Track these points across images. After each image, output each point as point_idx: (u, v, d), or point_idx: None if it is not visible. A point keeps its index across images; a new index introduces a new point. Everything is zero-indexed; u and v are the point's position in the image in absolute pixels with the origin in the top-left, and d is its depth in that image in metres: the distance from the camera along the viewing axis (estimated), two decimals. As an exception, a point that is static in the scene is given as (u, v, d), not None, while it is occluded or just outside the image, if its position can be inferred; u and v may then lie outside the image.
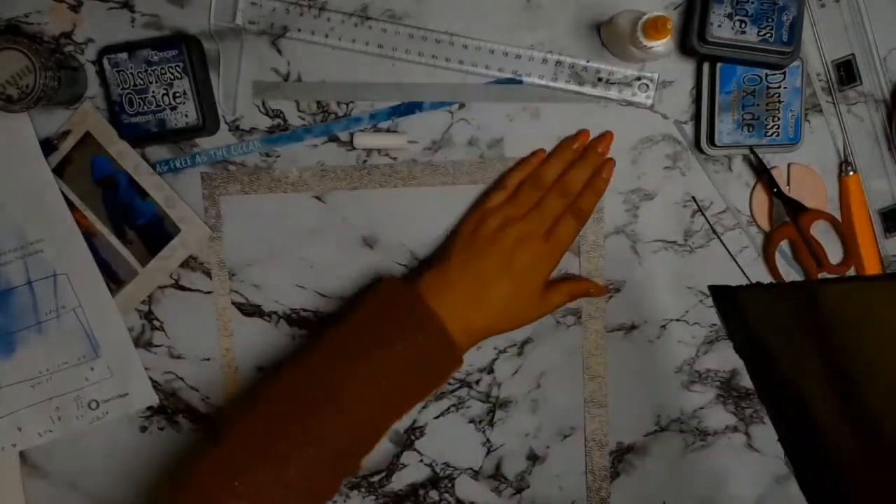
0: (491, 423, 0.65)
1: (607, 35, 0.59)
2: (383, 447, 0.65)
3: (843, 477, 0.48)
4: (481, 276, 0.57)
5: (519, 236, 0.58)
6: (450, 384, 0.65)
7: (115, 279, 0.63)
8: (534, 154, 0.62)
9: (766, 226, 0.62)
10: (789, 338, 0.50)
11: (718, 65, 0.59)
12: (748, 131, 0.60)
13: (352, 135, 0.61)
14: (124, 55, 0.59)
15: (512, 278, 0.58)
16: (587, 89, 0.60)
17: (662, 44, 0.53)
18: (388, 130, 0.62)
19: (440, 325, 0.55)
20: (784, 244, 0.63)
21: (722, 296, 0.54)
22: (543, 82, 0.60)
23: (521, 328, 0.61)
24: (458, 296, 0.57)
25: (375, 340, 0.55)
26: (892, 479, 0.44)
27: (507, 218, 0.59)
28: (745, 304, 0.52)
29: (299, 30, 0.60)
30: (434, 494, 0.66)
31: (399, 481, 0.66)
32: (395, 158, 0.62)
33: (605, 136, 0.61)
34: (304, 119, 0.62)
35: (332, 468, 0.54)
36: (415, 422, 0.65)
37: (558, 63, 0.60)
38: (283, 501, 0.52)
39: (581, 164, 0.61)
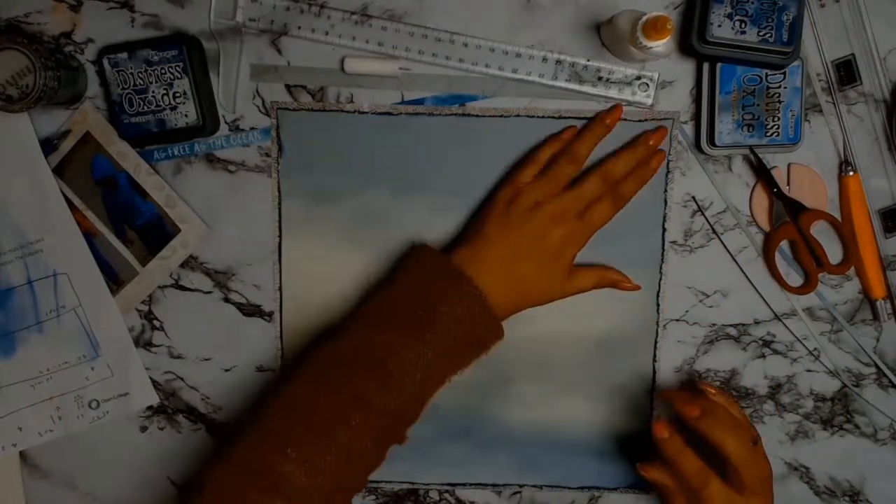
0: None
1: (607, 35, 0.59)
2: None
3: None
4: (514, 251, 0.57)
5: (554, 214, 0.58)
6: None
7: (115, 279, 0.63)
8: (565, 129, 0.61)
9: (766, 226, 0.62)
10: None
11: (718, 65, 0.59)
12: (748, 131, 0.60)
13: (342, 59, 0.61)
14: (124, 55, 0.59)
15: (543, 255, 0.58)
16: (587, 88, 0.60)
17: (662, 44, 0.53)
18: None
19: (480, 295, 0.55)
20: (784, 244, 0.63)
21: None
22: (543, 81, 0.60)
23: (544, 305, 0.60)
24: (492, 269, 0.57)
25: (417, 307, 0.55)
26: None
27: (543, 194, 0.59)
28: None
29: (299, 27, 0.60)
30: (434, 494, 0.66)
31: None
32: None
33: (659, 131, 0.61)
34: (304, 119, 0.62)
35: (378, 434, 0.53)
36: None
37: (558, 62, 0.60)
38: (335, 467, 0.51)
39: (627, 154, 0.60)
